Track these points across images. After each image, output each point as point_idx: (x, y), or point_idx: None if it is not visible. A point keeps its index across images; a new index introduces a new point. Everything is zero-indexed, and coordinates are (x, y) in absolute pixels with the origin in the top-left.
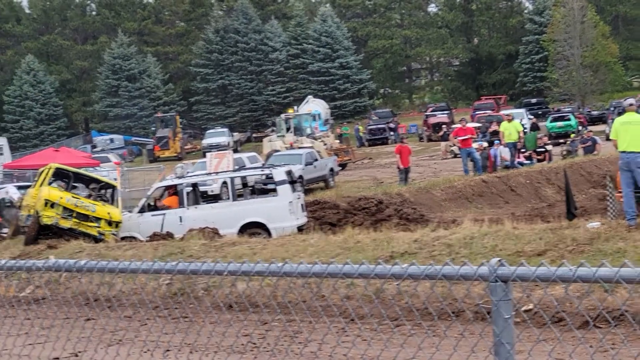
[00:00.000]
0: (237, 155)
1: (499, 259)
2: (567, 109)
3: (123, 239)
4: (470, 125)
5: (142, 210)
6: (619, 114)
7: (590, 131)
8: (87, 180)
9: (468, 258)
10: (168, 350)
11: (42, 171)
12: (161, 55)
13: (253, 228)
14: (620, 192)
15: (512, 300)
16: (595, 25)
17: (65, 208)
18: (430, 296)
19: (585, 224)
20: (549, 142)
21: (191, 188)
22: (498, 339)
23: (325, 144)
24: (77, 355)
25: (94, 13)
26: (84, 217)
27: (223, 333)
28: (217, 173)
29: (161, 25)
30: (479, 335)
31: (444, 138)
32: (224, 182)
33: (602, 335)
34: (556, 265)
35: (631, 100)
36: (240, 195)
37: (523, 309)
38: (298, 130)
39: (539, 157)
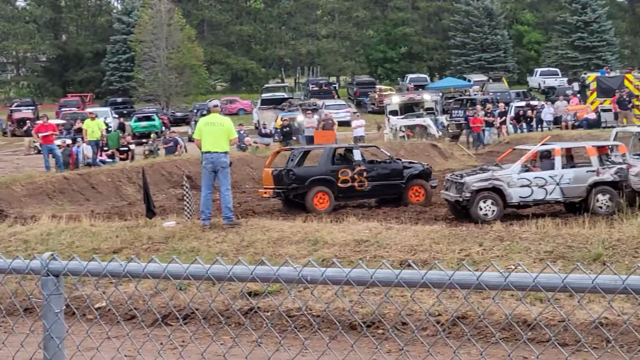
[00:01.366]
0: None
1: (51, 252)
2: (151, 110)
3: None
4: (55, 122)
5: None
6: (202, 115)
7: (174, 132)
8: None
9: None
10: None
11: None
12: None
13: None
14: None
15: (63, 295)
16: (181, 29)
17: None
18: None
19: (161, 223)
20: (132, 141)
21: None
22: (48, 334)
23: None
24: None
25: None
26: None
27: None
28: None
29: None
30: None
31: (28, 133)
32: None
33: (171, 332)
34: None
35: (215, 102)
36: None
37: (96, 305)
38: None
39: (121, 156)
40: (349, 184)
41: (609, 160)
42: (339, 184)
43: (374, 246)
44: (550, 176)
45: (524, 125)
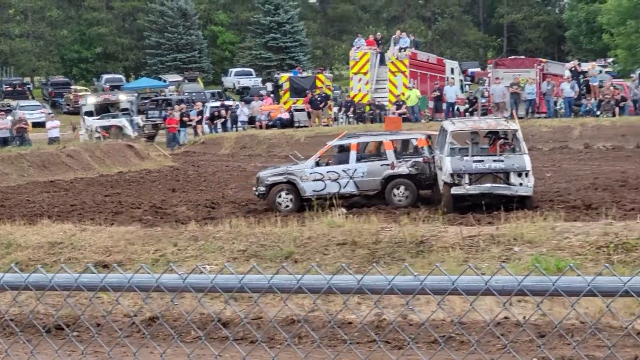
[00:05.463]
0: None
1: None
2: None
3: None
4: None
5: None
6: None
7: None
8: None
9: None
10: None
11: None
12: None
13: None
14: None
15: None
16: None
17: None
18: None
19: None
20: None
21: None
22: None
23: None
24: None
25: None
26: None
27: None
28: None
29: None
30: None
31: None
32: None
33: None
34: None
35: None
36: None
37: None
38: None
39: None
40: None
41: (419, 152)
42: None
43: (68, 248)
44: (343, 170)
45: (219, 125)
